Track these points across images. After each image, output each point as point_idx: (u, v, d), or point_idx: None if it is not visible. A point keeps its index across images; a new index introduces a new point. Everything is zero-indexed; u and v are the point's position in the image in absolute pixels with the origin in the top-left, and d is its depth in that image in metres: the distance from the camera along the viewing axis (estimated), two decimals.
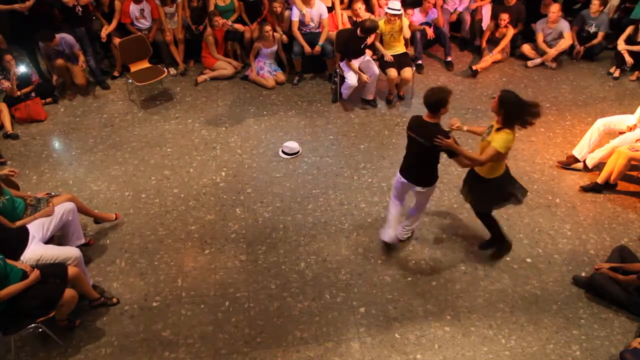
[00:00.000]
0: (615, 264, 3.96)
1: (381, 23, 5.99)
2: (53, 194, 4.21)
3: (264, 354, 3.60)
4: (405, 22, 6.13)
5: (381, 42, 6.13)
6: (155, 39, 6.71)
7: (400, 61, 6.09)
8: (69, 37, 6.13)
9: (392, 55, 6.07)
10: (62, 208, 3.98)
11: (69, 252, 3.79)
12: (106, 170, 5.25)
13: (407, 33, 6.20)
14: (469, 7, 7.33)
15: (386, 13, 5.91)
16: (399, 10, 5.85)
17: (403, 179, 3.93)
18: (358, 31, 5.70)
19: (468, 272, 4.19)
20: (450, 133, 3.63)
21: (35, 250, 3.67)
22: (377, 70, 6.07)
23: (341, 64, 6.05)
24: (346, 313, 3.87)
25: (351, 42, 5.85)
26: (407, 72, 6.05)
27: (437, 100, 3.52)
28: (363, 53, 6.06)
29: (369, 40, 6.00)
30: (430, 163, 3.81)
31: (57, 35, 5.96)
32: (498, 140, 3.55)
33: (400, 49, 6.17)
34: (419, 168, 3.87)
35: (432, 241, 4.46)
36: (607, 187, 4.92)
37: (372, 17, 6.54)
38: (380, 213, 4.71)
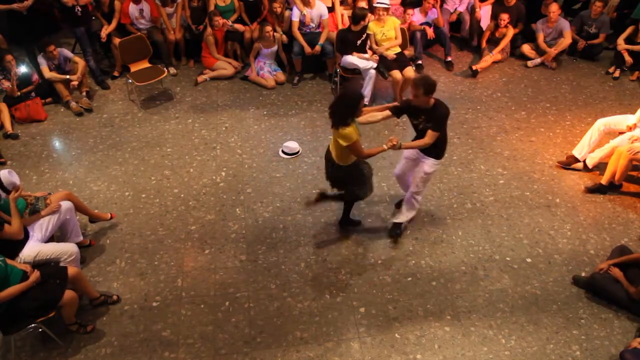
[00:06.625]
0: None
1: (371, 24, 6.03)
2: (51, 193, 4.21)
3: (264, 354, 3.60)
4: (397, 23, 6.15)
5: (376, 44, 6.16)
6: (155, 39, 6.72)
7: (400, 61, 6.09)
8: (66, 52, 6.09)
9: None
10: (61, 206, 3.98)
11: (66, 247, 3.80)
12: (106, 170, 5.25)
13: (399, 37, 6.19)
14: (468, 7, 7.33)
15: (376, 8, 5.96)
16: (387, 3, 5.95)
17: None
18: (351, 24, 5.86)
19: (468, 272, 4.19)
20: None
21: (33, 248, 3.68)
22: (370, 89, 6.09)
23: (342, 59, 6.09)
24: (346, 313, 3.87)
25: (348, 36, 5.93)
26: (409, 71, 6.04)
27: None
28: (363, 50, 6.06)
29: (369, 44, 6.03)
30: None
31: (58, 49, 5.92)
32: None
33: (395, 49, 6.19)
34: None
35: (432, 241, 4.46)
36: (612, 187, 4.91)
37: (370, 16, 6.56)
38: (380, 213, 4.71)
